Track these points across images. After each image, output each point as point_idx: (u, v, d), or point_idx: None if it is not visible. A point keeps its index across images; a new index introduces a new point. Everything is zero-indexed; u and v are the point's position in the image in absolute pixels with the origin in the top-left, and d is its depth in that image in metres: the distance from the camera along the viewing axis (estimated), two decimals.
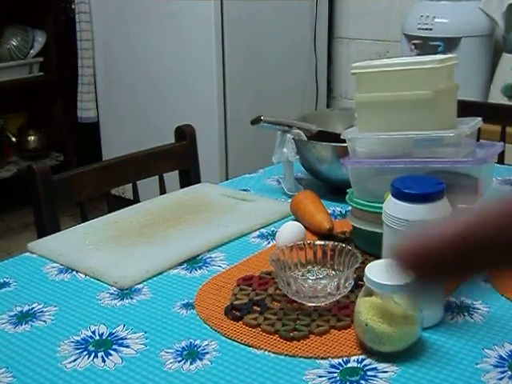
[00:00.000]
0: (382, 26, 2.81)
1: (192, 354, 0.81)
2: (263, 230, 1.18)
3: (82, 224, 1.24)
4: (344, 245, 0.95)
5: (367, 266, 0.80)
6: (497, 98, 2.29)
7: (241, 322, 0.87)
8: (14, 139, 3.42)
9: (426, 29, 2.32)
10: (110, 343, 0.84)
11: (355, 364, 0.78)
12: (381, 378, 0.75)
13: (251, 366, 0.78)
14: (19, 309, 0.94)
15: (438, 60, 1.02)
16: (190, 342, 0.83)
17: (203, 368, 0.78)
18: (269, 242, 1.13)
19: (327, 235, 1.10)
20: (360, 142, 1.08)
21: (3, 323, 0.90)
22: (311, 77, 2.88)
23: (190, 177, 1.55)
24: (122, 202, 1.44)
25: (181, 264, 1.05)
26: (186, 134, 1.54)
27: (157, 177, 1.52)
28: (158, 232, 1.16)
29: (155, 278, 1.01)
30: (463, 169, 1.00)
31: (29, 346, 0.84)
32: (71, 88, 3.09)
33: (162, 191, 1.50)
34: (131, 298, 0.95)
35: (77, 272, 1.04)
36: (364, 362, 0.78)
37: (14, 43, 3.21)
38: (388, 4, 2.77)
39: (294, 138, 1.33)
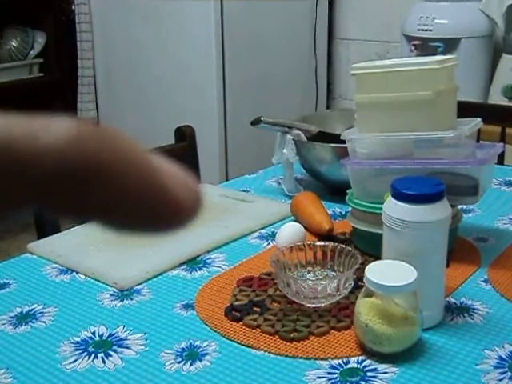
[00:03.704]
0: (382, 26, 2.81)
1: (192, 354, 0.81)
2: (263, 231, 1.18)
3: (82, 225, 1.24)
4: (344, 245, 0.95)
5: (367, 266, 0.80)
6: (497, 98, 2.29)
7: (241, 323, 0.87)
8: None
9: (426, 30, 2.32)
10: (109, 344, 0.84)
11: (355, 365, 0.78)
12: (381, 379, 0.75)
13: (251, 367, 0.78)
14: (19, 310, 0.94)
15: (437, 61, 1.02)
16: (190, 343, 0.83)
17: (203, 369, 0.78)
18: (269, 243, 1.13)
19: (327, 236, 1.10)
20: (360, 143, 1.08)
21: (3, 324, 0.90)
22: (311, 78, 2.88)
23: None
24: None
25: (181, 265, 1.05)
26: (185, 135, 1.54)
27: None
28: None
29: (155, 279, 1.01)
30: (463, 170, 1.00)
31: (29, 346, 0.84)
32: (71, 89, 3.09)
33: None
34: (131, 299, 0.95)
35: (77, 273, 1.04)
36: (364, 363, 0.78)
37: (14, 44, 3.20)
38: (388, 5, 2.77)
39: (293, 139, 1.33)
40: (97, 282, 1.01)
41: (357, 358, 0.79)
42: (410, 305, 0.79)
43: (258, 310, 0.90)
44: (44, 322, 0.90)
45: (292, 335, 0.83)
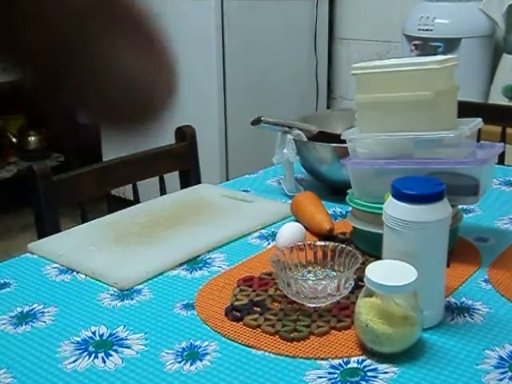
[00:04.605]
0: (383, 26, 2.81)
1: (192, 354, 0.81)
2: (263, 231, 1.18)
3: (83, 225, 1.24)
4: (344, 245, 0.95)
5: (367, 266, 0.80)
6: (497, 98, 2.29)
7: (241, 323, 0.87)
8: (14, 140, 3.42)
9: (427, 29, 2.32)
10: (110, 344, 0.84)
11: (355, 365, 0.78)
12: (381, 379, 0.75)
13: (251, 367, 0.78)
14: (19, 309, 0.94)
15: (438, 61, 1.02)
16: (191, 343, 0.83)
17: (203, 369, 0.78)
18: (269, 243, 1.13)
19: (327, 236, 1.10)
20: (360, 143, 1.08)
21: (3, 324, 0.90)
22: (311, 77, 2.88)
23: (190, 177, 1.55)
24: (122, 203, 1.44)
25: (181, 265, 1.05)
26: (186, 135, 1.54)
27: (157, 177, 1.51)
28: (158, 233, 1.15)
29: (155, 279, 1.01)
30: (463, 170, 1.00)
31: (29, 346, 0.84)
32: None
33: (163, 192, 1.50)
34: (131, 299, 0.95)
35: (77, 273, 1.04)
36: (364, 363, 0.78)
37: None
38: (388, 5, 2.77)
39: (294, 139, 1.33)
40: (97, 282, 1.01)
41: (357, 357, 0.79)
42: (410, 305, 0.79)
43: (258, 309, 0.90)
44: (44, 321, 0.90)
45: (292, 335, 0.83)
